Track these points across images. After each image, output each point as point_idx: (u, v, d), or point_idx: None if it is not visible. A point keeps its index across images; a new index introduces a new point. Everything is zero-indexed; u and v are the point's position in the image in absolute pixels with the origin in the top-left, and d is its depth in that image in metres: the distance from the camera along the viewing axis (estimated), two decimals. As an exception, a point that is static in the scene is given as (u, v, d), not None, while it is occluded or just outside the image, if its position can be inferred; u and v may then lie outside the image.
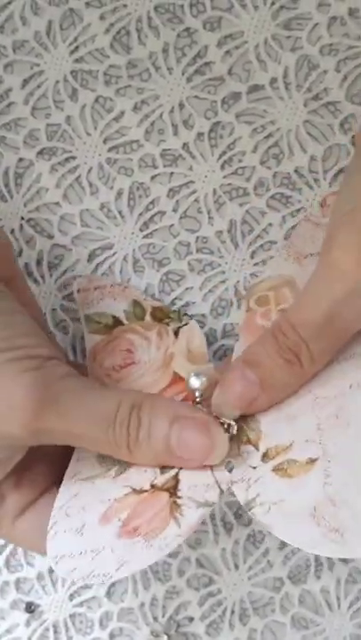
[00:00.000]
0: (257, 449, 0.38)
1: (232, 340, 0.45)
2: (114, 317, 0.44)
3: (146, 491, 0.38)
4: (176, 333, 0.43)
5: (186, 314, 0.44)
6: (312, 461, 0.37)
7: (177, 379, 0.42)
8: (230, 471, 0.38)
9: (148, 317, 0.44)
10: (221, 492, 0.37)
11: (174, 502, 0.37)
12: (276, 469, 0.38)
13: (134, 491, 0.38)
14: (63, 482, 0.40)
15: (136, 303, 0.44)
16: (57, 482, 0.40)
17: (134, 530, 0.37)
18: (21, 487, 0.40)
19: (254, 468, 0.38)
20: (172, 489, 0.38)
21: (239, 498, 0.37)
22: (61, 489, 0.39)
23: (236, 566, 0.46)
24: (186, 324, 0.44)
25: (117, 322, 0.44)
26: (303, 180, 0.44)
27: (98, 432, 0.37)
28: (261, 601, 0.47)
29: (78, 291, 0.45)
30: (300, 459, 0.37)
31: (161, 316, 0.44)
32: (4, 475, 0.39)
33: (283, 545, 0.46)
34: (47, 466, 0.41)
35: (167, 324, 0.44)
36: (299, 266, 0.43)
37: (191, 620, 0.47)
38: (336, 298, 0.37)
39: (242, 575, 0.46)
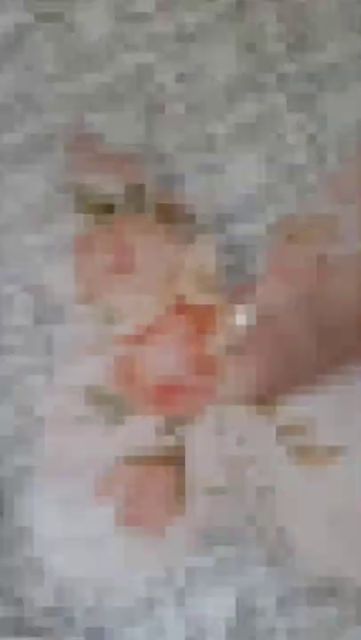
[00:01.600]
0: None
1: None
2: (106, 204, 0.38)
3: None
4: (188, 240, 0.38)
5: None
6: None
7: (180, 305, 0.37)
8: None
9: (150, 213, 0.38)
10: None
11: None
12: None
13: None
14: None
15: (136, 187, 0.38)
16: None
17: None
18: None
19: None
20: None
21: None
22: None
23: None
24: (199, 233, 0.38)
25: (109, 209, 0.38)
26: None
27: None
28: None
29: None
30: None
31: (168, 214, 0.38)
32: None
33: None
34: None
35: (174, 229, 0.38)
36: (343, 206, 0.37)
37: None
38: None
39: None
